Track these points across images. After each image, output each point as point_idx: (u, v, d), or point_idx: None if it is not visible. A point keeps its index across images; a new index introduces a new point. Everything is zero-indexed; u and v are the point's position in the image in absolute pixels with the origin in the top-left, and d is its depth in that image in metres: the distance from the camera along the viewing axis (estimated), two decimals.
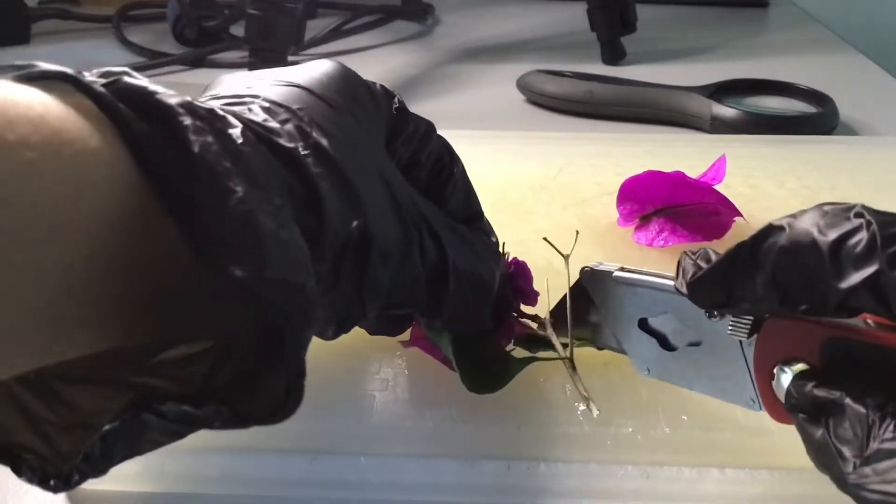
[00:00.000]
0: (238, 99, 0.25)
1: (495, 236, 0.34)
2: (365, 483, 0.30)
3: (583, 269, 0.33)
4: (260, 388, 0.21)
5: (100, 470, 0.22)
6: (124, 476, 0.31)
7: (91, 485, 0.30)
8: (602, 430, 0.32)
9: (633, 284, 0.32)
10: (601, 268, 0.33)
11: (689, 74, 0.71)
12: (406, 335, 0.35)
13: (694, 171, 0.44)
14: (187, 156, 0.20)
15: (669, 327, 0.31)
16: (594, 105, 0.68)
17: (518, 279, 0.35)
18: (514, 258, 0.36)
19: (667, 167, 0.44)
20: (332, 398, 0.34)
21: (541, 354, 0.34)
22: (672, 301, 0.30)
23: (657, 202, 0.43)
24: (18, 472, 0.22)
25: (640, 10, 0.81)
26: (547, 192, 0.50)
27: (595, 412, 0.31)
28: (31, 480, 0.22)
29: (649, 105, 0.67)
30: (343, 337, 0.36)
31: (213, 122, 0.21)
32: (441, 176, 0.32)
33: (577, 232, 0.36)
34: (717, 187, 0.43)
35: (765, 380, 0.27)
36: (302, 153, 0.23)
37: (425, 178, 0.31)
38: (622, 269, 0.32)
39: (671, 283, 0.29)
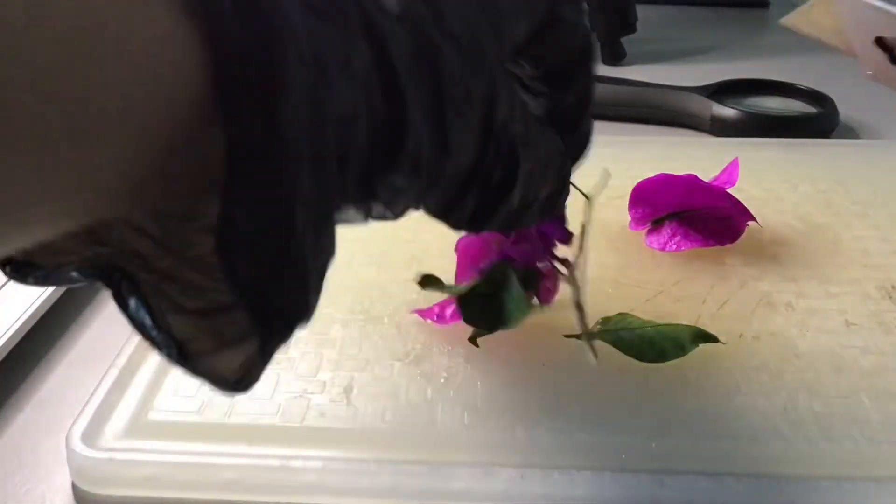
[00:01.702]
0: None
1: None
2: (375, 490, 0.30)
3: None
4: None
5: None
6: (133, 481, 0.31)
7: (102, 490, 0.31)
8: (616, 437, 0.31)
9: (879, 10, 0.38)
10: None
11: (689, 74, 0.71)
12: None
13: (704, 174, 0.44)
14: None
15: None
16: (594, 105, 0.68)
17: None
18: None
19: (677, 170, 0.43)
20: (341, 403, 0.33)
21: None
22: None
23: (669, 206, 0.43)
24: None
25: (640, 10, 0.80)
26: None
27: (593, 361, 0.32)
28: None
29: (649, 105, 0.67)
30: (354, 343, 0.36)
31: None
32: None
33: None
34: (730, 190, 0.43)
35: None
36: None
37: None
38: None
39: None
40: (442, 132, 0.22)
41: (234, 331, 0.19)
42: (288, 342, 0.19)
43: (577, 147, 0.30)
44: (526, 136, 0.26)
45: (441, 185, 0.23)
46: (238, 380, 0.19)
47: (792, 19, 0.45)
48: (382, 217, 0.23)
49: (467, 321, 0.34)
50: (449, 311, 0.36)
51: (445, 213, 0.25)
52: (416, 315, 0.38)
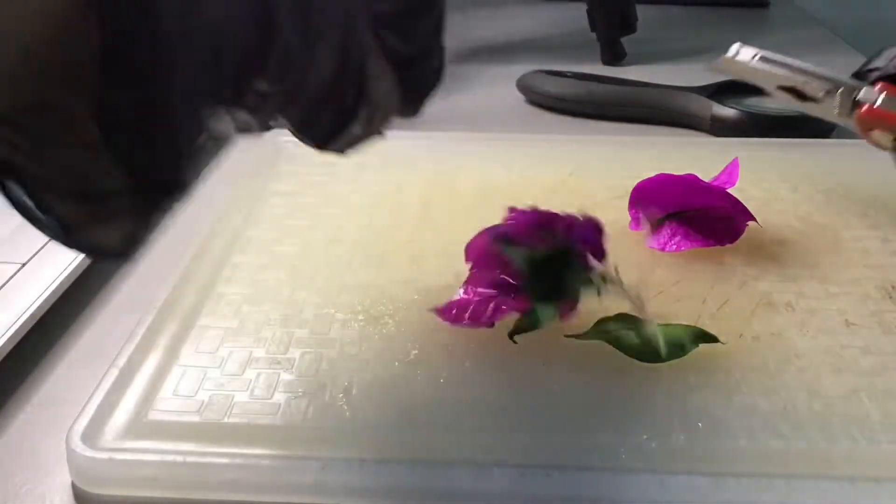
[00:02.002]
0: None
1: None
2: (374, 490, 0.30)
3: (724, 57, 0.49)
4: (112, 224, 0.21)
5: None
6: (133, 481, 0.31)
7: (102, 490, 0.31)
8: (616, 437, 0.31)
9: (764, 70, 0.48)
10: (739, 57, 0.49)
11: (689, 74, 0.71)
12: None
13: (704, 174, 0.44)
14: None
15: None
16: (594, 105, 0.68)
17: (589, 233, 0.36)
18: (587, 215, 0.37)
19: (677, 170, 0.43)
20: (341, 403, 0.33)
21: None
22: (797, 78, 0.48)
23: (670, 206, 0.43)
24: None
25: (640, 10, 0.80)
26: (558, 197, 0.49)
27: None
28: None
29: (649, 105, 0.67)
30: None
31: None
32: None
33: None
34: (730, 190, 0.43)
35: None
36: None
37: None
38: (761, 59, 0.48)
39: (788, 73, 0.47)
40: (306, 46, 0.24)
41: (113, 208, 0.21)
42: (165, 214, 0.21)
43: (429, 78, 0.32)
44: (376, 66, 0.28)
45: (302, 98, 0.26)
46: (120, 250, 0.21)
47: (716, 66, 0.52)
48: (247, 128, 0.25)
49: (530, 291, 0.35)
50: (467, 313, 0.36)
51: (303, 127, 0.28)
52: (416, 315, 0.38)
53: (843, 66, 0.79)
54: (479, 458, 0.31)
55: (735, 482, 0.29)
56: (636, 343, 0.34)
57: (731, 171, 0.45)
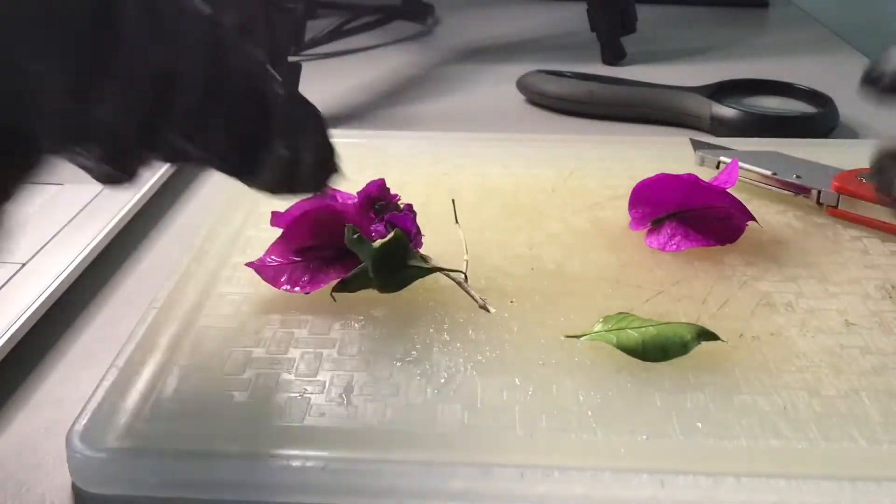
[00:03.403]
0: None
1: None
2: (374, 490, 0.30)
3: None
4: None
5: None
6: (133, 482, 0.31)
7: (102, 490, 0.31)
8: (616, 437, 0.31)
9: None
10: (703, 166, 0.51)
11: (689, 74, 0.71)
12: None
13: (704, 174, 0.44)
14: None
15: None
16: (594, 105, 0.68)
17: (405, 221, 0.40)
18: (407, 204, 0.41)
19: (677, 170, 0.43)
20: (341, 403, 0.33)
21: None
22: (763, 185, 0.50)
23: (669, 206, 0.43)
24: None
25: (640, 10, 0.81)
26: (558, 196, 0.50)
27: (492, 310, 0.36)
28: None
29: (649, 105, 0.67)
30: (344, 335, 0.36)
31: None
32: None
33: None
34: (730, 190, 0.43)
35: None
36: None
37: None
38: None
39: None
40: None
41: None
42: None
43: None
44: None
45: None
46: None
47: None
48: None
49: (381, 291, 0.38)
50: (283, 276, 0.39)
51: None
52: (415, 314, 0.38)
53: (843, 65, 0.80)
54: (479, 458, 0.31)
55: (735, 482, 0.29)
56: (638, 342, 0.34)
57: (731, 170, 0.45)
